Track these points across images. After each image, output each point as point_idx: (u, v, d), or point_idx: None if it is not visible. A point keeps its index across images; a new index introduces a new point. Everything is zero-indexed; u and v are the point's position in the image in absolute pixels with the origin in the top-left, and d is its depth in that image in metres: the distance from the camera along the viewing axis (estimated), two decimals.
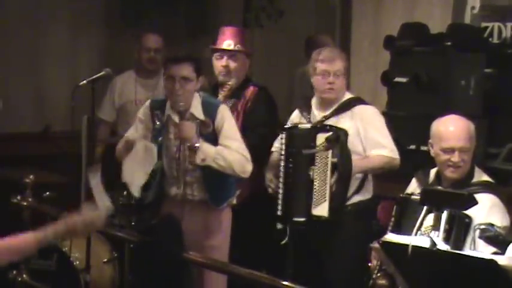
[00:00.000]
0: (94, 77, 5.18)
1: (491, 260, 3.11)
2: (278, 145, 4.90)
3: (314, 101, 4.94)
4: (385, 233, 3.88)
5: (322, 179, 4.62)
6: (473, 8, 6.29)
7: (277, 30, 7.58)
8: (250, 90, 5.40)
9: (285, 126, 4.89)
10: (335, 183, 4.61)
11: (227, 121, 4.78)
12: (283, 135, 4.78)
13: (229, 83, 5.37)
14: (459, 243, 3.69)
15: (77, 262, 5.21)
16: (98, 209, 4.65)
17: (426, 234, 3.72)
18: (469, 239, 3.72)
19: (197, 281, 4.99)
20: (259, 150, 5.15)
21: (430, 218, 3.83)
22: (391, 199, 4.51)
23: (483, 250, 3.54)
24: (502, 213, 3.92)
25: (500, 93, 5.63)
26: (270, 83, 5.68)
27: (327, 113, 4.83)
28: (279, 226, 4.83)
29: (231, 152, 4.70)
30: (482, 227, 3.58)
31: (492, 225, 3.60)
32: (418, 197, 3.86)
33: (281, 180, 4.76)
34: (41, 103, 7.24)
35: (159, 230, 5.21)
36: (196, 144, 4.63)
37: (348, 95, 4.90)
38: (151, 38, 6.22)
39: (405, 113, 5.58)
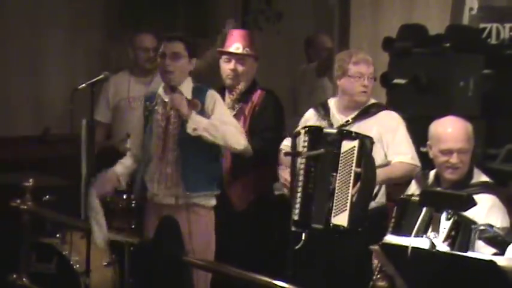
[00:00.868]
0: (93, 80, 5.18)
1: (491, 261, 3.11)
2: (287, 143, 4.79)
3: (334, 103, 4.87)
4: None
5: (344, 187, 4.47)
6: (471, 9, 6.29)
7: (276, 33, 7.59)
8: (258, 94, 5.39)
9: (306, 126, 4.72)
10: (357, 192, 4.48)
11: (218, 104, 4.83)
12: (306, 138, 4.64)
13: (239, 86, 5.35)
14: (464, 249, 3.67)
15: (77, 265, 5.21)
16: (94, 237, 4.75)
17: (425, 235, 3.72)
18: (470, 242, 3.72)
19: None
20: (265, 154, 5.17)
21: (445, 223, 3.82)
22: (392, 201, 4.52)
23: (482, 251, 3.54)
24: (502, 213, 3.93)
25: (499, 94, 5.62)
26: (269, 85, 5.67)
27: (350, 117, 4.77)
28: (293, 229, 4.75)
29: (224, 124, 4.74)
30: (482, 227, 3.59)
31: (491, 226, 3.61)
32: (417, 198, 3.87)
33: (300, 184, 4.62)
34: (39, 106, 7.23)
35: (158, 232, 5.23)
36: (188, 115, 4.68)
37: (371, 100, 4.86)
38: (148, 38, 6.24)
39: (404, 115, 5.56)
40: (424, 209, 3.83)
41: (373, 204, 4.69)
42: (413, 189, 4.26)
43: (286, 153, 4.66)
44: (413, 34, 5.98)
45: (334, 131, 4.61)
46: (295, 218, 4.60)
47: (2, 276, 5.22)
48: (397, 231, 3.89)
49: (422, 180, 4.26)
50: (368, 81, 4.74)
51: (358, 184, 4.47)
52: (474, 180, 4.08)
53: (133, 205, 5.31)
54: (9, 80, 7.10)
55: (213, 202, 4.97)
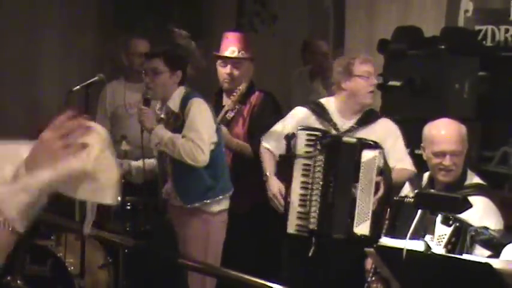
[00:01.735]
0: (87, 82, 5.19)
1: (486, 264, 3.12)
2: (269, 146, 4.80)
3: (335, 106, 4.78)
4: None
5: (366, 197, 4.43)
6: (466, 11, 6.30)
7: (271, 35, 7.59)
8: (256, 96, 5.38)
9: (321, 135, 4.61)
10: (377, 201, 4.45)
11: (192, 113, 4.82)
12: (321, 146, 4.56)
13: (240, 87, 5.32)
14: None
15: (72, 267, 5.19)
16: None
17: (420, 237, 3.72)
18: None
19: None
20: None
21: (444, 229, 3.82)
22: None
23: (477, 253, 3.54)
24: (496, 216, 3.93)
25: (494, 96, 5.64)
26: (264, 87, 5.67)
27: (352, 121, 4.72)
28: (295, 235, 4.68)
29: (185, 140, 4.75)
30: (477, 230, 3.59)
31: (486, 228, 3.62)
32: (412, 200, 3.87)
33: (318, 193, 4.58)
34: (34, 109, 7.23)
35: (153, 235, 5.23)
36: (151, 129, 4.81)
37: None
38: (142, 43, 6.22)
39: (399, 117, 5.56)
40: (419, 211, 3.83)
41: None
42: (407, 191, 4.26)
43: (283, 157, 4.64)
44: (408, 36, 5.99)
45: (354, 140, 4.54)
46: (313, 227, 4.58)
47: None
48: (391, 233, 3.89)
49: (416, 182, 4.26)
50: (375, 80, 4.72)
51: (379, 193, 4.47)
52: (467, 182, 4.08)
53: (128, 207, 5.30)
54: (3, 83, 7.09)
55: (215, 208, 4.97)
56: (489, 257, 3.45)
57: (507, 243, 3.49)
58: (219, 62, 5.40)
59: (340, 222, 4.52)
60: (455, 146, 4.01)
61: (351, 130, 4.67)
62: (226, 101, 5.37)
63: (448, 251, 3.59)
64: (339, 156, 4.55)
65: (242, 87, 5.32)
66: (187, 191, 4.93)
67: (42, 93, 7.24)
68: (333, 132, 4.69)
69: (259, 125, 5.25)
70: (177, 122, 4.85)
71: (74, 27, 7.41)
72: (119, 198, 5.29)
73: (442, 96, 5.49)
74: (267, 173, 4.81)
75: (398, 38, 6.02)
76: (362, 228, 4.42)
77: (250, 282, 4.35)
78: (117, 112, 6.22)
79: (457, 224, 3.66)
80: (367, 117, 4.71)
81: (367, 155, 4.46)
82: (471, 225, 3.68)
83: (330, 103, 4.84)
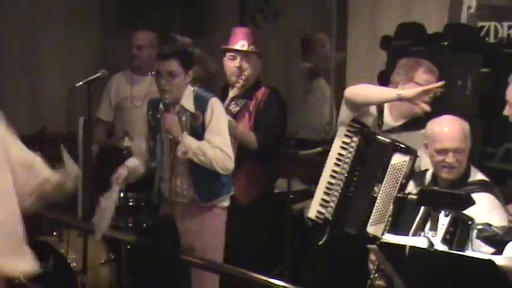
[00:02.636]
0: (90, 78, 5.18)
1: (489, 260, 3.11)
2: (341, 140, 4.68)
3: (387, 105, 4.69)
4: None
5: (387, 199, 4.39)
6: (469, 7, 6.29)
7: (274, 31, 7.59)
8: (262, 91, 5.41)
9: (364, 128, 4.60)
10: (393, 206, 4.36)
11: (215, 115, 4.79)
12: (357, 139, 4.58)
13: (245, 73, 5.34)
14: (463, 247, 3.67)
15: (74, 264, 5.20)
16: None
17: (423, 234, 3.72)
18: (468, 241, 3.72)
19: (194, 282, 5.00)
20: (269, 150, 5.21)
21: (443, 220, 3.82)
22: None
23: (481, 250, 3.54)
24: (500, 212, 3.94)
25: (497, 92, 5.61)
26: (266, 83, 5.67)
27: (398, 123, 4.65)
28: (310, 224, 4.72)
29: (213, 148, 4.73)
30: (480, 227, 3.60)
31: (489, 225, 3.61)
32: (415, 197, 3.87)
33: (341, 184, 4.60)
34: (37, 105, 7.23)
35: (155, 231, 5.23)
36: (179, 138, 4.70)
37: None
38: (136, 35, 6.27)
39: None
40: (422, 208, 3.83)
41: None
42: (411, 188, 4.26)
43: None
44: (411, 32, 5.99)
45: (387, 140, 4.50)
46: (329, 216, 4.59)
47: None
48: (394, 230, 3.89)
49: (420, 179, 4.26)
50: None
51: None
52: (471, 179, 4.09)
53: (130, 203, 5.31)
54: (7, 79, 7.09)
55: (226, 203, 5.01)
56: (492, 253, 3.45)
57: (510, 240, 3.50)
58: (227, 55, 5.42)
59: (355, 217, 4.51)
60: (458, 143, 4.01)
61: (392, 131, 4.61)
62: (233, 94, 5.38)
63: (446, 242, 3.59)
64: (369, 154, 4.54)
65: (247, 72, 5.33)
66: (205, 189, 4.92)
67: (45, 89, 7.24)
68: (375, 129, 4.63)
69: (265, 119, 5.30)
70: (195, 121, 4.81)
71: (77, 23, 7.41)
72: (122, 194, 5.31)
73: (445, 92, 5.49)
74: None
75: (401, 35, 6.02)
76: (375, 229, 4.40)
77: (253, 279, 4.38)
78: (121, 104, 6.24)
79: (454, 214, 3.66)
80: (413, 124, 4.58)
81: (397, 158, 4.42)
82: (470, 217, 3.67)
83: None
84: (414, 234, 3.72)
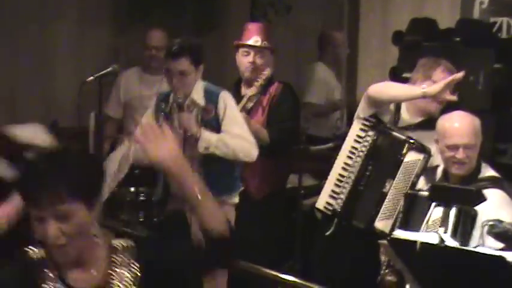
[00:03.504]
0: (101, 73, 5.20)
1: (500, 257, 3.11)
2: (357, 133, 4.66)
3: (405, 102, 4.67)
4: None
5: (397, 196, 4.37)
6: (482, 3, 6.29)
7: (285, 26, 7.59)
8: (275, 86, 5.40)
9: (380, 123, 4.59)
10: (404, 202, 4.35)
11: (229, 107, 4.81)
12: (372, 133, 4.58)
13: (264, 72, 5.33)
14: (466, 236, 3.70)
15: None
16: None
17: (434, 229, 3.73)
18: (477, 235, 3.72)
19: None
20: (282, 144, 5.22)
21: (437, 211, 3.84)
22: None
23: (492, 246, 3.54)
24: (511, 208, 3.92)
25: (510, 88, 5.62)
26: (278, 78, 5.67)
27: (414, 120, 4.64)
28: (319, 216, 4.73)
29: (233, 137, 4.74)
30: (491, 223, 3.58)
31: (500, 221, 3.61)
32: (426, 193, 3.87)
33: (353, 177, 4.60)
34: (48, 99, 7.25)
35: (166, 226, 5.24)
36: (198, 134, 4.71)
37: None
38: (153, 36, 6.25)
39: None
40: (433, 204, 3.83)
41: None
42: (421, 184, 4.26)
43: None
44: (423, 28, 6.00)
45: (403, 137, 4.47)
46: (338, 208, 4.60)
47: None
48: (405, 226, 3.90)
49: (430, 175, 4.26)
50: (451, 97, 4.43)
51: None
52: (482, 175, 4.07)
53: (141, 198, 5.32)
54: (18, 74, 7.12)
55: (236, 200, 5.02)
56: (503, 249, 3.45)
57: None
58: (241, 51, 5.41)
59: (364, 211, 4.51)
60: (468, 139, 4.00)
61: (408, 128, 4.60)
62: (245, 91, 5.39)
63: (451, 233, 3.61)
64: (384, 149, 4.53)
65: (267, 72, 5.33)
66: (215, 185, 4.88)
67: (57, 84, 7.26)
68: (391, 125, 4.63)
69: (278, 115, 5.30)
70: (208, 115, 4.82)
71: (88, 18, 7.42)
72: (132, 189, 5.32)
73: (457, 88, 5.47)
74: None
75: (413, 30, 6.03)
76: (383, 224, 4.38)
77: (264, 274, 4.38)
78: (131, 102, 6.25)
79: (458, 207, 3.67)
80: (429, 123, 4.51)
81: (411, 156, 4.40)
82: (473, 209, 3.68)
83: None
84: (425, 230, 3.74)
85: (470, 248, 3.48)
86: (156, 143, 2.60)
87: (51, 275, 2.49)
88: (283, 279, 4.32)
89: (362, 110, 4.64)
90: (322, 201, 4.69)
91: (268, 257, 4.85)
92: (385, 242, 3.88)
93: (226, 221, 2.77)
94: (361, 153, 4.59)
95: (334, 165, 4.68)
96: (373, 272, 4.16)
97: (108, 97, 6.26)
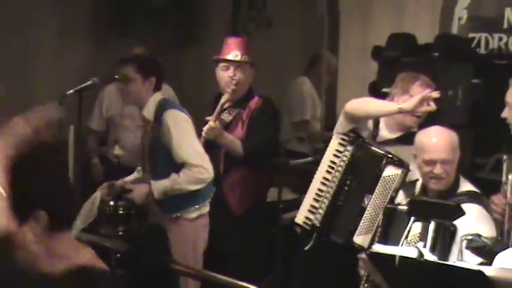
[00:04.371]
0: (81, 86, 5.19)
1: (479, 271, 3.11)
2: (335, 148, 4.67)
3: (384, 117, 4.67)
4: None
5: (376, 211, 4.37)
6: (460, 18, 6.33)
7: (266, 40, 7.61)
8: (255, 100, 5.38)
9: (359, 138, 4.61)
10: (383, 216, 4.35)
11: (171, 128, 4.79)
12: (351, 148, 4.59)
13: (235, 78, 5.32)
14: (445, 251, 3.72)
15: None
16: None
17: (413, 244, 3.74)
18: (456, 250, 3.74)
19: None
20: (259, 156, 5.22)
21: (417, 226, 3.85)
22: None
23: (470, 261, 3.56)
24: (489, 223, 3.94)
25: (487, 103, 5.65)
26: (258, 91, 5.68)
27: (392, 136, 4.65)
28: (298, 231, 4.73)
29: (183, 173, 4.77)
30: (469, 237, 3.61)
31: (479, 235, 3.63)
32: (405, 208, 3.88)
33: (331, 191, 4.61)
34: (28, 111, 7.22)
35: (145, 239, 5.23)
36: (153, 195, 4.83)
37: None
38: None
39: None
40: (411, 219, 3.84)
41: None
42: (400, 198, 4.28)
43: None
44: (402, 43, 6.04)
45: (381, 152, 4.48)
46: (317, 223, 4.61)
47: None
48: (384, 240, 3.91)
49: (409, 189, 4.27)
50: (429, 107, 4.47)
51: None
52: (460, 190, 4.09)
53: (120, 212, 5.29)
54: None
55: (194, 214, 4.99)
56: (481, 264, 3.46)
57: (500, 251, 3.51)
58: (220, 65, 5.40)
59: (343, 226, 4.51)
60: (446, 155, 4.01)
61: (386, 143, 4.61)
62: (226, 104, 5.39)
63: (430, 248, 3.62)
64: (362, 164, 4.54)
65: (240, 79, 5.31)
66: (166, 201, 4.94)
67: (36, 97, 7.23)
68: (369, 140, 4.64)
69: (258, 129, 5.28)
70: (154, 132, 4.87)
71: (69, 31, 7.41)
72: (111, 203, 5.31)
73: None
74: None
75: (392, 45, 6.06)
76: (362, 239, 4.37)
77: (235, 286, 4.37)
78: (113, 120, 6.31)
79: (436, 222, 3.68)
80: (407, 138, 4.52)
81: (390, 170, 4.40)
82: (451, 223, 3.70)
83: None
84: (404, 244, 3.75)
85: (449, 262, 3.50)
86: None
87: None
88: None
89: (340, 125, 4.65)
90: (301, 216, 4.69)
91: (248, 271, 4.85)
92: (364, 256, 3.90)
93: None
94: (340, 168, 4.59)
95: (313, 179, 4.68)
96: (353, 286, 4.17)
97: (91, 110, 6.27)
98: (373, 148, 4.53)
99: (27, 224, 2.22)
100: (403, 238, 3.84)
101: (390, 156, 4.43)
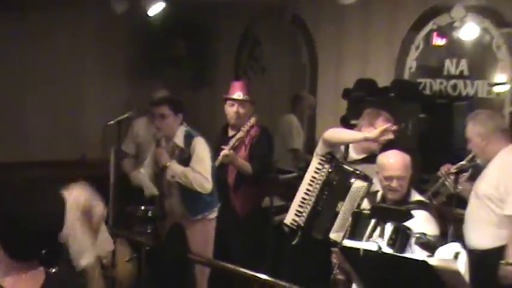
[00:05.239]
0: (119, 118, 5.22)
1: (423, 261, 3.14)
2: (315, 167, 4.64)
3: (352, 144, 4.68)
4: None
5: (347, 214, 4.33)
6: (411, 67, 6.35)
7: (261, 83, 7.63)
8: (255, 130, 5.41)
9: (334, 159, 4.57)
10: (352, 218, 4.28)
11: (197, 149, 4.92)
12: (328, 166, 4.55)
13: (250, 121, 5.36)
14: (402, 249, 3.67)
15: (104, 260, 5.18)
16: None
17: (373, 240, 3.74)
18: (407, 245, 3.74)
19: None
20: (260, 175, 5.26)
21: (381, 226, 3.84)
22: None
23: (418, 254, 3.55)
24: (433, 224, 3.94)
25: (432, 133, 5.67)
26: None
27: (359, 156, 4.67)
28: (286, 229, 4.69)
29: (194, 172, 4.86)
30: (417, 235, 3.60)
31: (425, 234, 3.62)
32: (368, 212, 3.90)
33: (312, 199, 4.58)
34: (78, 138, 7.25)
35: (168, 236, 5.25)
36: (167, 164, 4.87)
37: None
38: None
39: None
40: (373, 220, 3.86)
41: None
42: (365, 205, 4.29)
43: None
44: (366, 86, 6.04)
45: (351, 169, 4.46)
46: (301, 223, 4.58)
47: None
48: (352, 237, 3.90)
49: (372, 198, 4.27)
50: (389, 136, 4.47)
51: None
52: (411, 199, 4.08)
53: (149, 214, 5.32)
54: (55, 118, 7.13)
55: (212, 216, 5.11)
56: (427, 256, 3.46)
57: (440, 246, 3.54)
58: (228, 103, 5.44)
59: (321, 225, 4.50)
60: (401, 172, 4.01)
61: (355, 163, 4.61)
62: (231, 132, 5.42)
63: (390, 246, 3.59)
64: (337, 178, 4.51)
65: (253, 120, 5.37)
66: (193, 207, 5.02)
67: (85, 126, 7.27)
68: (342, 160, 4.62)
69: (258, 151, 5.34)
70: (183, 155, 4.94)
71: (111, 73, 7.46)
72: (142, 207, 5.33)
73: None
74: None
75: (358, 87, 6.07)
76: (336, 236, 4.36)
77: (242, 273, 4.40)
78: (141, 145, 6.33)
79: (395, 225, 3.67)
80: (370, 159, 4.54)
81: (358, 183, 4.39)
82: (408, 227, 3.67)
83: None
84: (367, 240, 3.76)
85: (401, 254, 3.48)
86: None
87: None
88: (258, 277, 4.35)
89: (320, 149, 4.66)
90: (289, 218, 4.68)
91: (247, 260, 4.87)
92: (336, 249, 3.92)
93: None
94: (319, 182, 4.59)
95: (299, 191, 4.68)
96: (327, 272, 4.16)
97: (126, 137, 6.30)
98: (345, 166, 4.53)
99: None
100: (366, 235, 3.85)
101: (358, 172, 4.44)
